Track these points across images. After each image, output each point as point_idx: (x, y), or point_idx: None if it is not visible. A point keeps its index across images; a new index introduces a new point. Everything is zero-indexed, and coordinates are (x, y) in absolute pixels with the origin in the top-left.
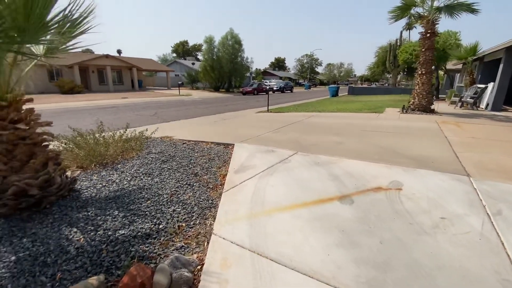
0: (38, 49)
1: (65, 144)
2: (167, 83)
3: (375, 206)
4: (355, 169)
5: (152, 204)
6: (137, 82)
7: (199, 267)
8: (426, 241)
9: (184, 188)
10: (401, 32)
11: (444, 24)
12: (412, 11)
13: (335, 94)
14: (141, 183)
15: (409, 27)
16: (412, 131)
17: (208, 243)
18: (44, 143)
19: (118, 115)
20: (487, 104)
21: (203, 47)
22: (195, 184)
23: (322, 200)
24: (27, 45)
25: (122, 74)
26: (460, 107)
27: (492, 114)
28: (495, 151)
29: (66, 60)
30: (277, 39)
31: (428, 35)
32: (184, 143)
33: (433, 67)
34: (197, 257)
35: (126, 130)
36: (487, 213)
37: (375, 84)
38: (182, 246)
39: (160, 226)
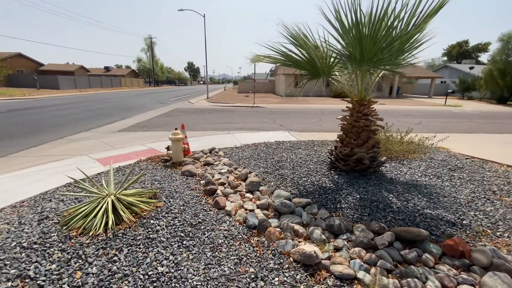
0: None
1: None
2: (429, 91)
3: None
4: None
5: (449, 202)
6: (396, 89)
7: None
8: None
9: (483, 201)
10: None
11: None
12: None
13: None
14: (432, 182)
15: None
16: None
17: None
18: (375, 132)
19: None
20: None
21: (493, 47)
22: (495, 201)
23: None
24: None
25: (382, 81)
26: None
27: None
28: None
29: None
30: None
31: None
32: (467, 158)
33: None
34: None
35: (408, 134)
36: None
37: None
38: (492, 247)
39: (464, 222)
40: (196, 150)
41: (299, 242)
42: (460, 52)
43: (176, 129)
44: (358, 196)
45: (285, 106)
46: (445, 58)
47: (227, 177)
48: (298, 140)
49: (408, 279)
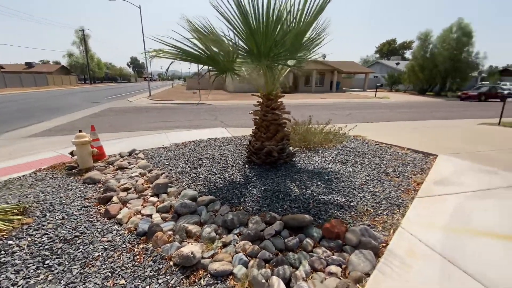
0: (291, 62)
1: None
2: (364, 85)
3: None
4: None
5: (345, 186)
6: (335, 84)
7: (383, 244)
8: None
9: (374, 183)
10: None
11: None
12: None
13: None
14: (337, 168)
15: None
16: None
17: (394, 231)
18: (284, 125)
19: (317, 112)
20: None
21: (415, 44)
22: (385, 182)
23: None
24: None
25: (324, 77)
26: None
27: None
28: None
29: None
30: None
31: None
32: (376, 144)
33: None
34: (383, 237)
35: (326, 125)
36: None
37: None
38: (369, 225)
39: (352, 204)
40: (118, 152)
41: (188, 243)
42: (389, 49)
43: (80, 131)
44: (262, 188)
45: (232, 102)
46: (377, 55)
47: (136, 181)
48: (232, 136)
49: (280, 266)
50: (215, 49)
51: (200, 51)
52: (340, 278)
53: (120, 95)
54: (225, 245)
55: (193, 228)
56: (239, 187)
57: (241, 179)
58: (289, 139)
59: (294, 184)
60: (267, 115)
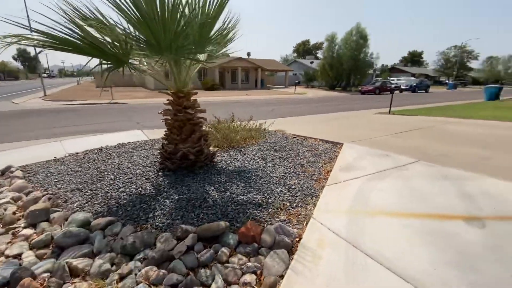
0: (202, 56)
1: (208, 128)
2: (285, 82)
3: None
4: (500, 191)
5: (264, 182)
6: (260, 81)
7: (297, 239)
8: None
9: (291, 175)
10: None
11: None
12: None
13: (493, 97)
14: (258, 165)
15: None
16: None
17: (307, 223)
18: (200, 124)
19: (243, 109)
20: None
21: (324, 45)
22: (300, 173)
23: (441, 216)
24: (198, 54)
25: (249, 74)
26: None
27: None
28: None
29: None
30: (414, 29)
31: None
32: (294, 137)
33: None
34: (297, 232)
35: (249, 122)
36: None
37: None
38: (285, 220)
39: (269, 200)
40: None
41: (72, 284)
42: (305, 49)
43: None
44: (177, 197)
45: (152, 100)
46: (295, 54)
47: (5, 209)
48: (148, 139)
49: None
50: (107, 38)
51: (82, 38)
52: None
53: (2, 96)
54: (122, 277)
55: (81, 262)
56: (148, 200)
57: (152, 190)
58: (208, 139)
59: (212, 188)
60: (178, 114)
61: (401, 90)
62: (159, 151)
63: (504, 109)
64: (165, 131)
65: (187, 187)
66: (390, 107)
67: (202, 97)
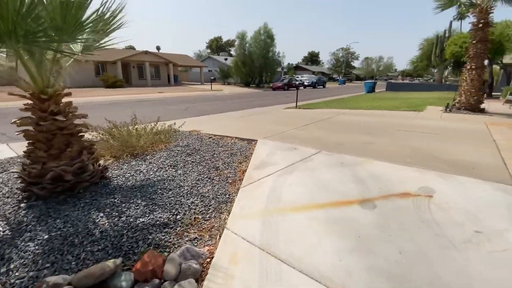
0: (76, 47)
1: (102, 134)
2: (201, 79)
3: (399, 213)
4: (382, 172)
5: (173, 195)
6: (173, 77)
7: (208, 259)
8: (454, 257)
9: (205, 181)
10: (451, 22)
11: (503, 13)
12: None
13: (371, 90)
14: (166, 174)
15: (461, 16)
16: (455, 132)
17: (220, 236)
18: (79, 134)
19: (152, 108)
20: None
21: (236, 43)
22: (215, 178)
23: (341, 203)
24: (66, 44)
25: (160, 70)
26: None
27: None
28: None
29: (110, 56)
30: (312, 33)
31: (481, 25)
32: (210, 137)
33: (485, 62)
34: (208, 250)
35: (157, 123)
36: None
37: (418, 79)
38: (196, 237)
39: (178, 217)
40: None
41: None
42: (218, 45)
43: None
44: (46, 237)
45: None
46: (209, 50)
47: None
48: (17, 155)
49: None
50: None
51: None
52: None
53: None
54: None
55: None
56: None
57: (7, 232)
58: (94, 151)
59: (102, 214)
60: (43, 123)
61: (305, 86)
62: (18, 175)
63: (378, 100)
64: (26, 147)
65: (64, 218)
66: (296, 102)
67: (100, 96)
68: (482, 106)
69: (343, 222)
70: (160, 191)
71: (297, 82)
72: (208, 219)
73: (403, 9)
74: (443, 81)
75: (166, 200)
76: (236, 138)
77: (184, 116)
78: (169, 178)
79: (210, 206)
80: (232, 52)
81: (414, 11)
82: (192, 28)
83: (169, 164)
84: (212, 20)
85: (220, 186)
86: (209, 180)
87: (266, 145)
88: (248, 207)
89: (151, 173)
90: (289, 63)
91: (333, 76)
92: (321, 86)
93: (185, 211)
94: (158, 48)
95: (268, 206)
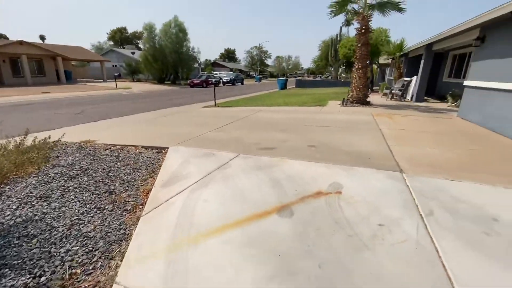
0: None
1: None
2: (103, 75)
3: (315, 216)
4: (297, 171)
5: (38, 244)
6: (63, 73)
7: None
8: (366, 258)
9: (91, 214)
10: (341, 28)
11: (379, 21)
12: (349, 7)
13: (283, 86)
14: (31, 212)
15: (347, 23)
16: (351, 124)
17: None
18: None
19: (32, 114)
20: (412, 96)
21: (144, 35)
22: (107, 206)
23: (259, 215)
24: None
25: (44, 64)
26: (391, 98)
27: (416, 104)
28: (424, 144)
29: None
30: (228, 29)
31: (363, 31)
32: (108, 149)
33: (367, 62)
34: None
35: (25, 137)
36: (420, 214)
37: (320, 77)
38: None
39: (42, 279)
40: None
41: None
42: (122, 37)
43: None
44: None
45: None
46: (111, 42)
47: None
48: None
49: None
50: None
51: None
52: None
53: None
54: None
55: None
56: None
57: None
58: None
59: None
60: None
61: (224, 83)
62: None
63: (290, 96)
64: None
65: None
66: (215, 100)
67: None
68: (368, 99)
69: (261, 241)
70: (17, 242)
71: (213, 80)
72: (91, 272)
73: (308, 10)
74: (338, 78)
75: (26, 255)
76: (142, 147)
77: (77, 122)
78: (36, 217)
79: (96, 251)
80: (141, 46)
81: (317, 13)
82: (92, 16)
83: (38, 195)
84: (114, 9)
85: (114, 217)
86: (97, 212)
87: (179, 153)
88: (150, 243)
89: (8, 213)
90: (206, 59)
91: (250, 73)
92: (239, 83)
93: (56, 266)
94: (42, 37)
95: (176, 236)
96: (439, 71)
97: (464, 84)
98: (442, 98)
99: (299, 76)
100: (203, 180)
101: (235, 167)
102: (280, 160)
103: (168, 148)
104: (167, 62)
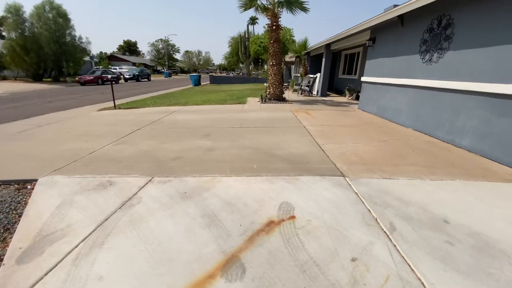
0: None
1: None
2: None
3: (274, 266)
4: (236, 193)
5: None
6: None
7: None
8: None
9: None
10: (248, 25)
11: (284, 20)
12: (258, 2)
13: (197, 83)
14: None
15: (252, 22)
16: (277, 123)
17: None
18: None
19: None
20: (318, 91)
21: (10, 21)
22: None
23: (196, 285)
24: None
25: None
26: (301, 94)
27: (322, 99)
28: (346, 139)
29: None
30: (128, 20)
31: (274, 27)
32: None
33: (281, 58)
34: None
35: None
36: (385, 232)
37: (232, 73)
38: None
39: None
40: None
41: None
42: None
43: None
44: None
45: None
46: None
47: None
48: None
49: None
50: None
51: None
52: None
53: None
54: None
55: None
56: None
57: None
58: None
59: None
60: None
61: (126, 79)
62: None
63: (206, 93)
64: None
65: None
66: (114, 100)
67: None
68: (284, 95)
69: None
70: None
71: (109, 76)
72: None
73: (220, 7)
74: (249, 74)
75: None
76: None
77: None
78: None
79: None
80: (5, 34)
81: (226, 9)
82: None
83: None
84: None
85: None
86: None
87: (56, 187)
88: None
89: None
90: (101, 52)
91: (157, 68)
92: (146, 79)
93: None
94: None
95: None
96: (335, 69)
97: (361, 80)
98: (340, 92)
99: (211, 72)
100: (95, 235)
101: (148, 201)
102: (211, 179)
103: (36, 180)
104: (44, 55)
